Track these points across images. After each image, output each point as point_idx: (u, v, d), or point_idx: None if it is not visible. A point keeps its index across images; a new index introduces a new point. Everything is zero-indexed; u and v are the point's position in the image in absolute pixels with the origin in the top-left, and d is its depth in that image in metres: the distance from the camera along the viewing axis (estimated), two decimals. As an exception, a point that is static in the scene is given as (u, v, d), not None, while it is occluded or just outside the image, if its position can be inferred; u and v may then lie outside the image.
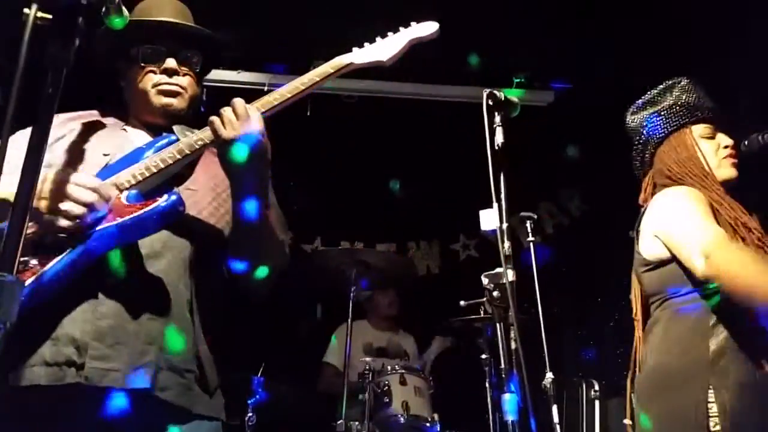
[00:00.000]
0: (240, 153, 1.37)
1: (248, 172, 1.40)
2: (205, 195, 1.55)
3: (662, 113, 1.92)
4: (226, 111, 1.39)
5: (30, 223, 1.35)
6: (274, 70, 4.26)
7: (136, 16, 1.62)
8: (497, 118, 1.77)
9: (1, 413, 1.28)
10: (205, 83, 4.08)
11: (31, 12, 0.81)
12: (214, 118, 1.40)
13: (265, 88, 4.19)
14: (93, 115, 1.67)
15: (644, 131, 1.95)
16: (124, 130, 1.63)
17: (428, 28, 1.60)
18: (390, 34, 1.59)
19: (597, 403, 3.54)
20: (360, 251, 3.96)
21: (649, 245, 1.79)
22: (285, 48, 4.22)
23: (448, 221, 4.58)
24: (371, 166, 4.55)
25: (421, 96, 4.34)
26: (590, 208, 4.83)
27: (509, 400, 1.50)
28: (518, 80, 4.40)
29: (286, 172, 4.34)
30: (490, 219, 1.62)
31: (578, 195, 4.87)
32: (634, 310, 1.90)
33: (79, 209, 1.31)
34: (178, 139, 1.49)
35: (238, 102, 1.40)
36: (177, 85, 1.60)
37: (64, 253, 1.30)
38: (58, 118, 1.61)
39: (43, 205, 1.30)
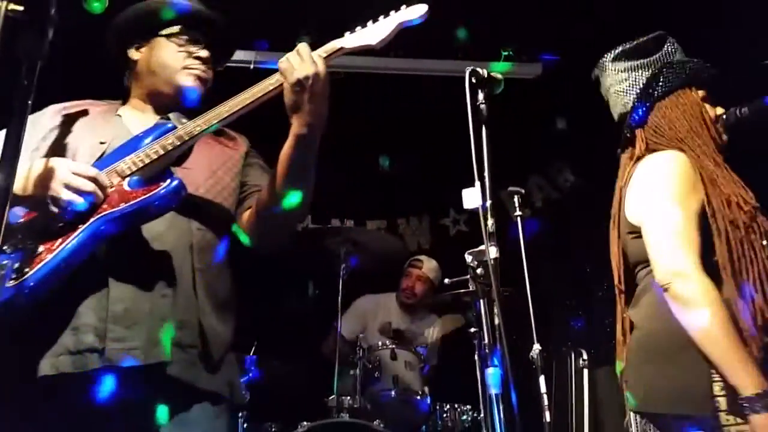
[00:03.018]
0: (311, 90, 1.43)
1: (314, 107, 1.46)
2: (201, 173, 1.60)
3: (674, 66, 1.85)
4: (292, 56, 1.45)
5: (32, 212, 1.41)
6: (260, 47, 4.23)
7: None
8: (480, 96, 1.77)
9: (33, 402, 1.35)
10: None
11: (2, 5, 0.81)
12: (283, 60, 1.45)
13: (251, 66, 4.16)
14: (87, 104, 1.70)
15: (643, 81, 1.85)
16: (119, 115, 1.67)
17: (417, 11, 1.62)
18: (381, 18, 1.61)
19: (585, 372, 3.60)
20: (350, 230, 3.98)
21: (634, 210, 1.75)
22: (271, 25, 4.18)
23: (437, 196, 4.60)
24: (360, 142, 4.54)
25: (408, 71, 4.33)
26: (579, 181, 4.86)
27: (492, 374, 1.54)
28: (506, 53, 4.38)
29: (275, 152, 4.34)
30: (472, 197, 1.64)
31: (567, 168, 4.89)
32: (616, 277, 1.84)
33: (78, 198, 1.37)
34: (175, 127, 1.54)
35: (303, 46, 1.47)
36: (206, 74, 1.68)
37: (70, 239, 1.36)
38: (51, 109, 1.67)
39: (44, 194, 1.36)
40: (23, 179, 1.38)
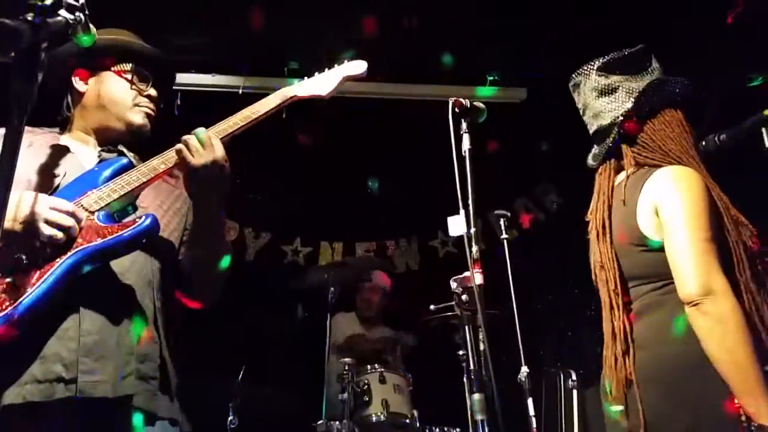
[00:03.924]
0: (208, 178, 1.50)
1: (214, 193, 1.54)
2: (155, 211, 1.62)
3: (666, 83, 1.84)
4: (192, 139, 1.51)
5: (8, 245, 1.39)
6: (249, 72, 4.27)
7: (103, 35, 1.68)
8: (464, 125, 1.81)
9: None
10: (181, 87, 4.13)
11: (-6, 51, 0.84)
12: (182, 147, 1.51)
13: (240, 91, 4.20)
14: (27, 131, 1.65)
15: (634, 94, 1.83)
16: (66, 146, 1.67)
17: (359, 67, 1.82)
18: (326, 69, 1.80)
19: (575, 392, 3.61)
20: (339, 263, 4.03)
21: (651, 222, 1.70)
22: (259, 50, 4.23)
23: (425, 218, 4.63)
24: (349, 165, 4.58)
25: (396, 95, 4.38)
26: (565, 202, 4.90)
27: (477, 400, 1.56)
28: (492, 78, 4.44)
29: (265, 174, 4.38)
30: (457, 225, 1.67)
31: (553, 189, 4.94)
32: (613, 284, 1.78)
33: (59, 233, 1.38)
34: (130, 161, 1.60)
35: (202, 131, 1.53)
36: (154, 111, 1.74)
37: (50, 273, 1.36)
38: None
39: (20, 228, 1.36)
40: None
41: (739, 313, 1.52)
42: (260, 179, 4.37)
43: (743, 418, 1.47)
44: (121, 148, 1.70)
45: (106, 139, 1.70)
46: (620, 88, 1.86)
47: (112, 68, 1.71)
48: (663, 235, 1.66)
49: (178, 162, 1.53)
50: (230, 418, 3.15)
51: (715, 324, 1.51)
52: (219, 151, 1.51)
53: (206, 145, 1.50)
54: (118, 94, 1.69)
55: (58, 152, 1.63)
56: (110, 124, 1.70)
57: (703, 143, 1.88)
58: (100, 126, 1.70)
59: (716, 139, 1.88)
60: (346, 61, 1.82)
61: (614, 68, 1.89)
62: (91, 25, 1.19)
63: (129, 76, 1.71)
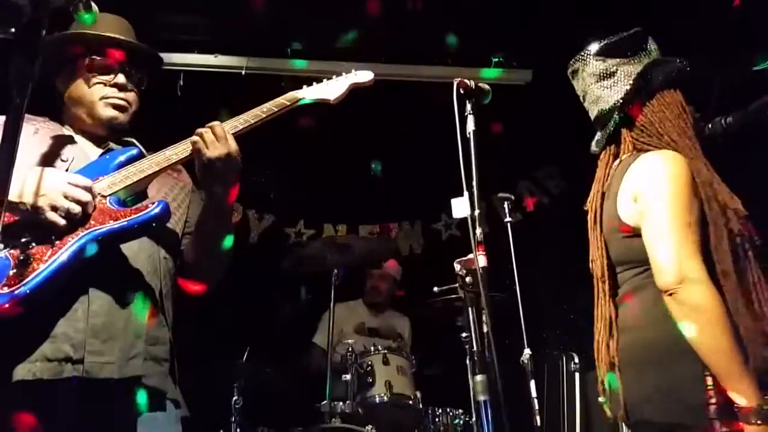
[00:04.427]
0: (222, 170, 1.54)
1: (226, 186, 1.58)
2: None
3: (661, 65, 1.83)
4: (207, 132, 1.54)
5: (25, 217, 1.42)
6: (251, 53, 4.23)
7: (82, 28, 1.67)
8: (468, 107, 1.79)
9: (4, 406, 1.36)
10: (183, 68, 4.10)
11: (-5, 28, 0.83)
12: (197, 139, 1.54)
13: (243, 72, 4.17)
14: (29, 119, 1.69)
15: (632, 77, 1.81)
16: (71, 136, 1.69)
17: (365, 76, 1.90)
18: (334, 77, 1.87)
19: (577, 375, 3.63)
20: (342, 238, 4.02)
21: (629, 209, 1.71)
22: (261, 31, 4.19)
23: (429, 201, 4.62)
24: (353, 147, 4.56)
25: (400, 77, 4.34)
26: (568, 185, 4.89)
27: (481, 382, 1.57)
28: (497, 59, 4.40)
29: (269, 156, 4.36)
30: (461, 207, 1.67)
31: (556, 173, 4.92)
32: (600, 271, 1.81)
33: (76, 208, 1.42)
34: (140, 151, 1.64)
35: (218, 125, 1.56)
36: (125, 100, 1.70)
37: (62, 251, 1.39)
38: None
39: (41, 201, 1.39)
40: (20, 186, 1.40)
41: (716, 300, 1.51)
42: (264, 161, 4.35)
43: (713, 401, 1.48)
44: (128, 139, 1.71)
45: (90, 133, 1.71)
46: (618, 71, 1.84)
47: (78, 63, 1.68)
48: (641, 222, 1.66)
49: (193, 153, 1.56)
50: (235, 398, 3.18)
51: (691, 312, 1.51)
52: (233, 145, 1.56)
53: (221, 138, 1.54)
54: (84, 90, 1.67)
55: (63, 140, 1.65)
56: (85, 120, 1.69)
57: (710, 126, 1.87)
58: (79, 122, 1.71)
59: (723, 122, 1.87)
60: (353, 71, 1.90)
61: (611, 52, 1.87)
62: (92, 3, 1.18)
63: (92, 70, 1.67)
